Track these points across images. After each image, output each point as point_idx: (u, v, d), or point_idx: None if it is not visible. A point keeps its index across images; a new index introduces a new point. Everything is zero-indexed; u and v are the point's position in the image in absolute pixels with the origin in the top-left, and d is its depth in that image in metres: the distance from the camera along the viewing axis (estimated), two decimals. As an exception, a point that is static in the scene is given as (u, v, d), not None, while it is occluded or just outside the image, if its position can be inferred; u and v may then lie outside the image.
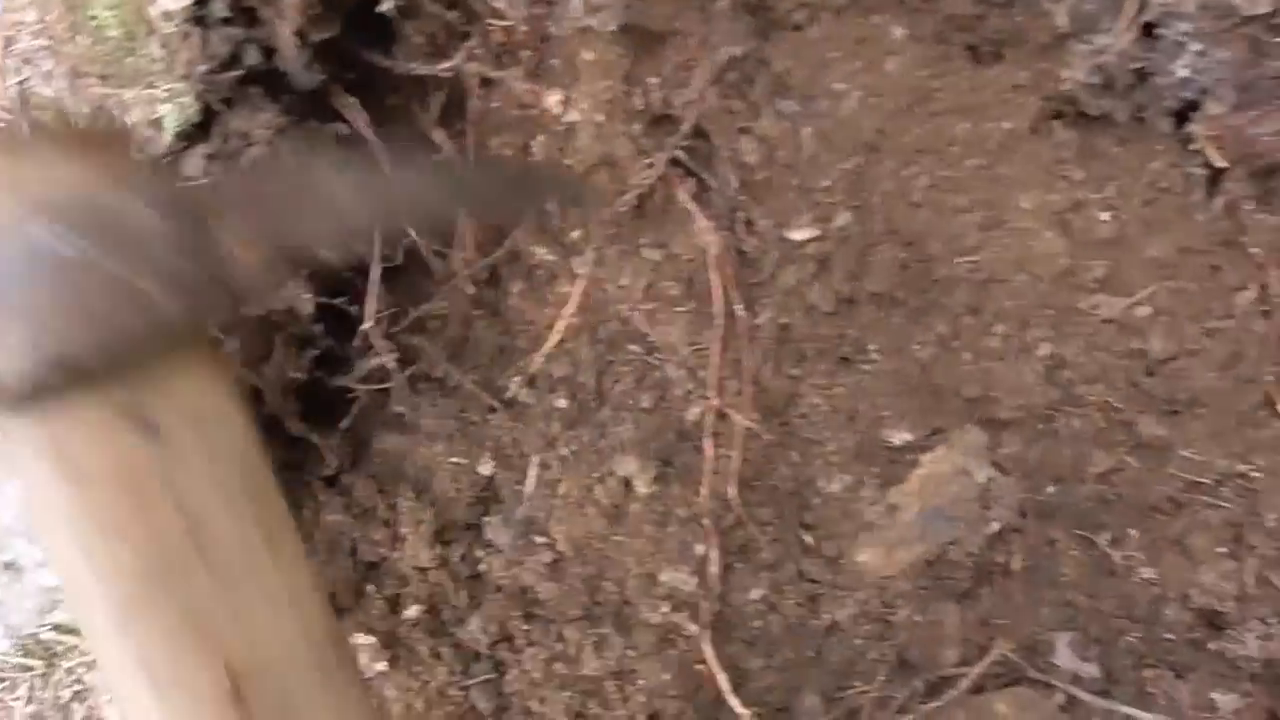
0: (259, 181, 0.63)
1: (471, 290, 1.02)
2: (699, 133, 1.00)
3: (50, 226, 0.45)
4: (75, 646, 0.98)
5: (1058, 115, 0.95)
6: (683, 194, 0.99)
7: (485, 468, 1.02)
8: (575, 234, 1.03)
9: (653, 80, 0.98)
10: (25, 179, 0.46)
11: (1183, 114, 0.94)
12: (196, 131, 0.83)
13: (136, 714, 0.50)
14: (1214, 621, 1.01)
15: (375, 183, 0.59)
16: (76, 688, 0.99)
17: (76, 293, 0.45)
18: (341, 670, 0.53)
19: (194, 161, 0.81)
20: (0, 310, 0.45)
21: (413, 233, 0.97)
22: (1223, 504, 1.00)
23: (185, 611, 0.49)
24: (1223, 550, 1.00)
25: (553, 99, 1.01)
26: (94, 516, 0.49)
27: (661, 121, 1.00)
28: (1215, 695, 0.99)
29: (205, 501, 0.50)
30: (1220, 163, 0.94)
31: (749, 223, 1.02)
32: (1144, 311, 0.98)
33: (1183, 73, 0.91)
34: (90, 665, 0.99)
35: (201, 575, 0.50)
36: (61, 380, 0.46)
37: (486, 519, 1.01)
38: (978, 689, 0.96)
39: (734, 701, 0.94)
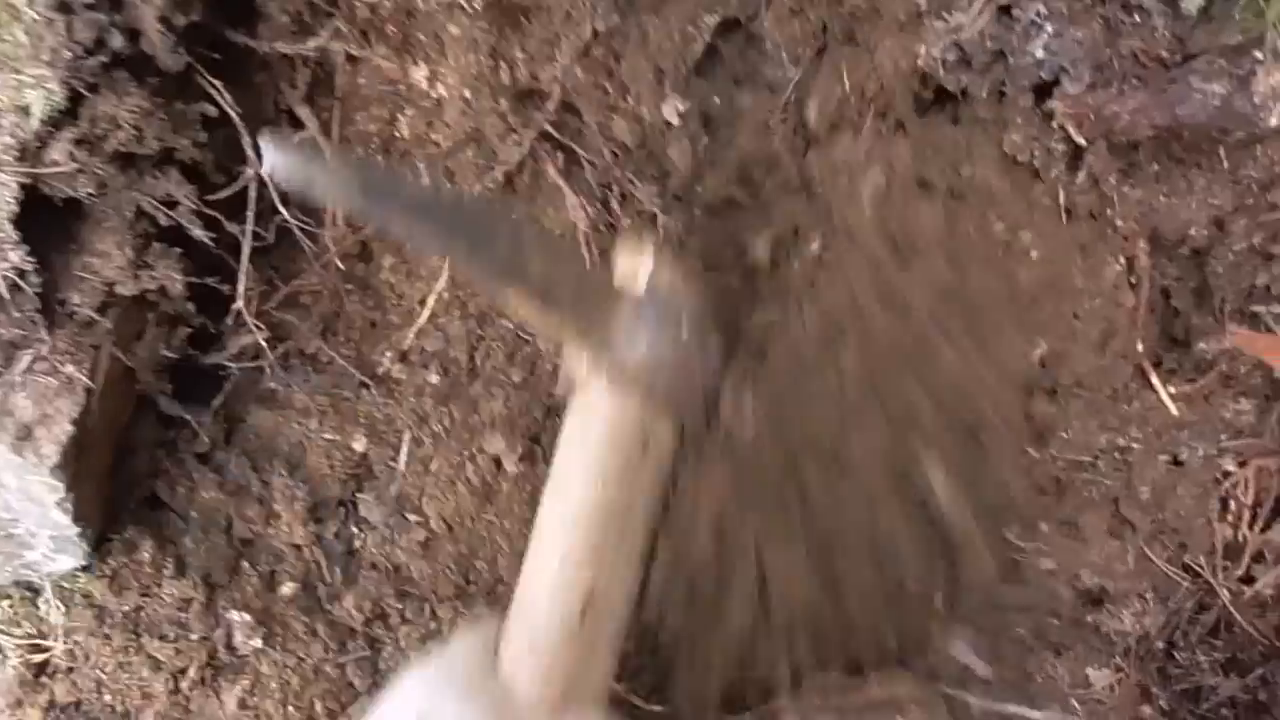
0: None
1: (342, 266, 1.28)
2: (569, 108, 1.26)
3: (686, 325, 1.02)
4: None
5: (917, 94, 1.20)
6: (552, 170, 1.25)
7: (359, 444, 1.28)
8: (445, 210, 1.29)
9: (519, 55, 1.24)
10: (677, 286, 1.05)
11: (1042, 90, 1.19)
12: (63, 117, 1.08)
13: (538, 594, 0.98)
14: (1097, 599, 1.27)
15: None
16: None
17: (679, 363, 1.03)
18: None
19: (61, 147, 1.07)
20: (657, 347, 1.02)
21: (283, 210, 1.24)
22: (1103, 480, 1.26)
23: (599, 546, 0.98)
24: (1103, 528, 1.26)
25: (419, 74, 1.26)
26: (601, 467, 0.99)
27: (529, 96, 1.26)
28: (1090, 671, 1.25)
29: (636, 495, 1.00)
30: (1080, 140, 1.18)
31: (624, 197, 1.28)
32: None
33: (1039, 53, 1.14)
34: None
35: (615, 533, 0.99)
36: (644, 392, 1.01)
37: (360, 495, 1.28)
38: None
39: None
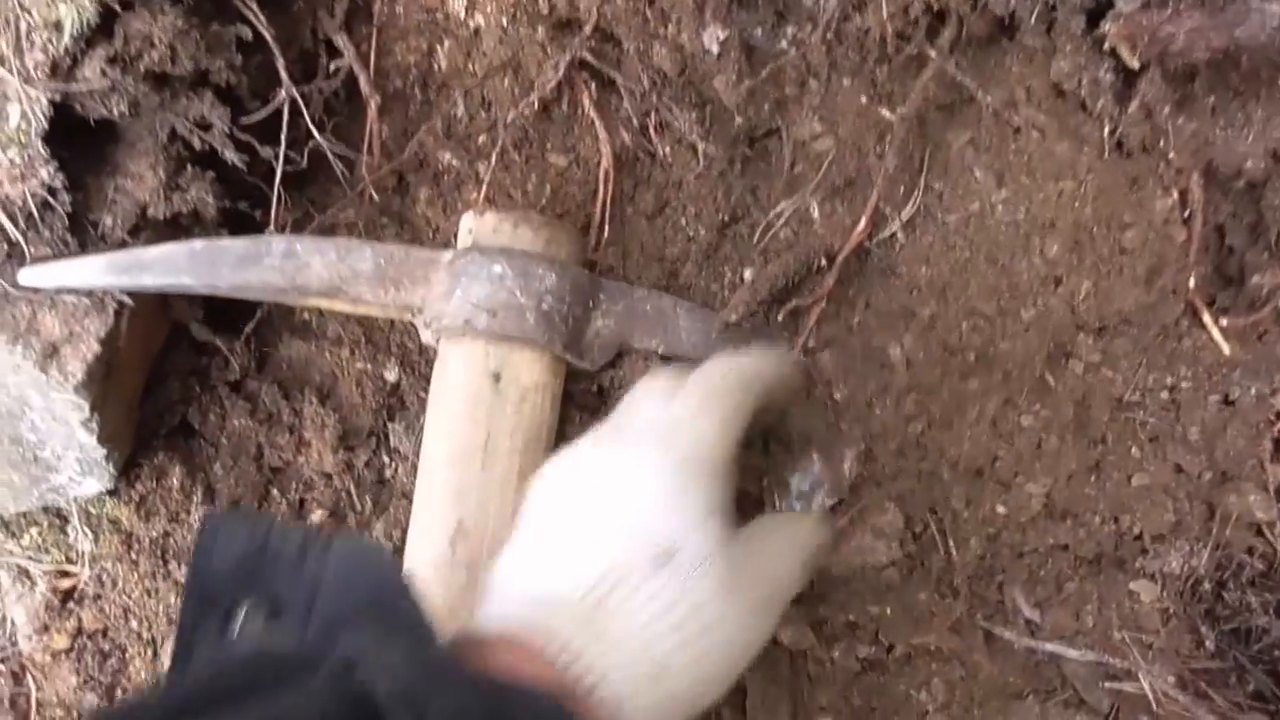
0: (633, 300, 1.17)
1: (377, 198, 1.27)
2: (608, 36, 1.24)
3: (504, 265, 1.09)
4: (-15, 548, 1.25)
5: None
6: (586, 99, 1.23)
7: (391, 374, 1.27)
8: (482, 138, 1.27)
9: (557, -18, 1.22)
10: (503, 235, 1.13)
11: (1094, 15, 1.16)
12: (96, 34, 1.07)
13: (415, 533, 1.10)
14: (1144, 540, 1.24)
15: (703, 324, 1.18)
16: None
17: (500, 300, 1.08)
18: None
19: (93, 64, 1.06)
20: (470, 290, 1.09)
21: (317, 135, 1.23)
22: (1150, 420, 1.23)
23: (460, 482, 1.07)
24: (1150, 470, 1.23)
25: (457, 3, 1.25)
26: (449, 411, 1.10)
27: (568, 25, 1.24)
28: (1136, 611, 1.23)
29: (497, 427, 1.08)
30: (1134, 63, 1.15)
31: (662, 126, 1.26)
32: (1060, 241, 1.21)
33: (1095, -32, 1.12)
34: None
35: (476, 467, 1.07)
36: (471, 334, 1.09)
37: (392, 425, 1.27)
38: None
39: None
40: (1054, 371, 1.20)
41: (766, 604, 0.87)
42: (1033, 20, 1.13)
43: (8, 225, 1.02)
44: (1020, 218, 1.18)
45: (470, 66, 1.28)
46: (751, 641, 0.85)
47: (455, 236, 1.28)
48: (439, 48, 1.29)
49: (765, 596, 0.87)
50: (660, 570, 0.80)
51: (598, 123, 1.24)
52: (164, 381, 1.23)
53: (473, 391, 1.10)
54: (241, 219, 1.23)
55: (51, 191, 1.04)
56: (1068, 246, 1.18)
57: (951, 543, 1.18)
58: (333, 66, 1.27)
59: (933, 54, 1.15)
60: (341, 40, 1.26)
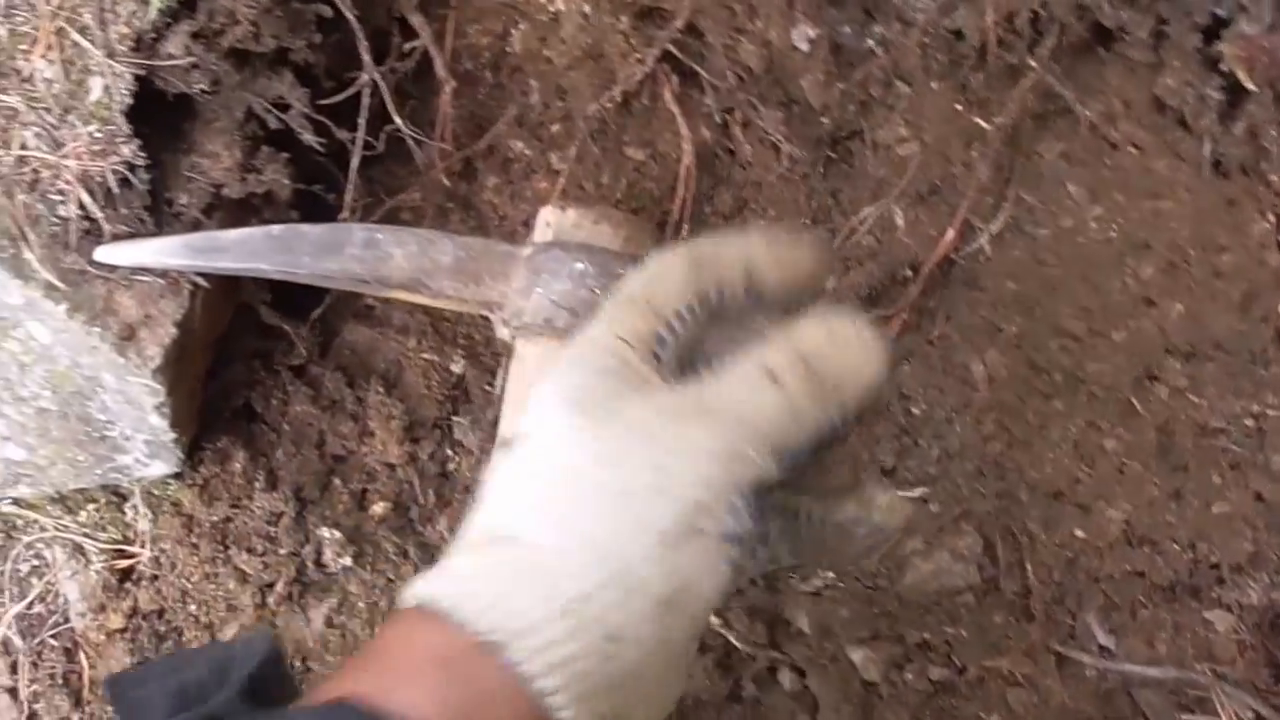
0: None
1: (446, 183, 1.25)
2: (692, 29, 1.21)
3: (586, 262, 1.00)
4: (36, 521, 1.24)
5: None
6: (668, 93, 1.21)
7: (457, 366, 1.25)
8: (555, 128, 1.25)
9: (644, -31, 1.20)
10: (584, 231, 1.05)
11: (1210, 31, 1.12)
12: (181, 9, 1.05)
13: None
14: (1222, 569, 1.22)
15: None
16: (34, 562, 1.24)
17: (581, 297, 0.99)
18: None
19: (178, 40, 1.04)
20: (550, 287, 1.00)
21: (396, 119, 1.20)
22: (1234, 448, 1.21)
23: None
24: (1231, 498, 1.21)
25: (539, -13, 1.23)
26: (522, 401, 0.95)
27: (651, 14, 1.21)
28: (1213, 641, 1.20)
29: None
30: (1250, 85, 1.12)
31: (746, 124, 1.24)
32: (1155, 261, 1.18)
33: (1218, -13, 1.08)
34: (49, 541, 1.25)
35: None
36: (550, 332, 1.00)
37: (456, 419, 1.25)
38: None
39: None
40: (1140, 395, 1.17)
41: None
42: (1143, 34, 1.10)
43: (88, 201, 1.00)
44: (1114, 236, 1.15)
45: (546, 52, 1.25)
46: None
47: (525, 226, 1.25)
48: (514, 31, 1.26)
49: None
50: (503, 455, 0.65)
51: (679, 118, 1.22)
52: (229, 363, 1.21)
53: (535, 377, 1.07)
54: (311, 201, 1.21)
55: (131, 168, 1.02)
56: (1162, 268, 1.15)
57: (1029, 566, 1.16)
58: (406, 47, 1.24)
59: (1033, 63, 1.12)
60: (418, 21, 1.23)
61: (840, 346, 0.63)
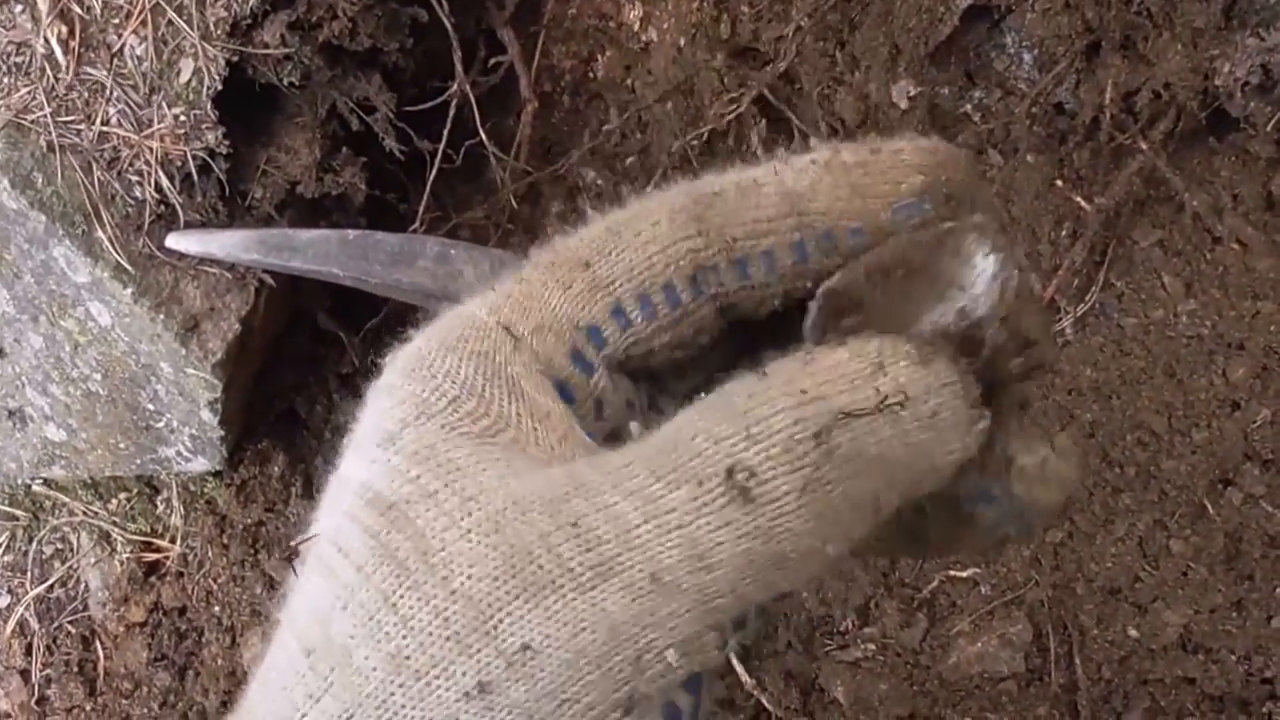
0: None
1: (513, 204, 1.22)
2: (787, 75, 1.18)
3: None
4: (65, 504, 1.21)
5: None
6: (755, 137, 1.18)
7: (508, 391, 1.22)
8: (631, 160, 1.22)
9: (745, 8, 1.17)
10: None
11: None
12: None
13: None
14: (1272, 690, 1.18)
15: None
16: (59, 545, 1.21)
17: None
18: None
19: (274, 29, 1.01)
20: None
21: (481, 134, 1.17)
22: (1298, 561, 1.17)
23: None
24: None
25: (633, 14, 1.19)
26: None
27: (747, 54, 1.18)
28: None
29: None
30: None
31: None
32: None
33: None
34: (76, 526, 1.21)
35: None
36: None
37: (500, 442, 1.22)
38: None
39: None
40: (1213, 499, 1.13)
41: None
42: (1269, 127, 1.06)
43: (166, 185, 0.97)
44: (1205, 333, 1.12)
45: (630, 81, 1.22)
46: None
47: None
48: (600, 56, 1.24)
49: None
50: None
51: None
52: (279, 365, 1.18)
53: None
54: (380, 209, 1.18)
55: (212, 155, 1.00)
56: (1254, 371, 1.11)
57: (1077, 660, 1.12)
58: (491, 62, 1.21)
59: (1144, 146, 1.09)
60: (508, 36, 1.20)
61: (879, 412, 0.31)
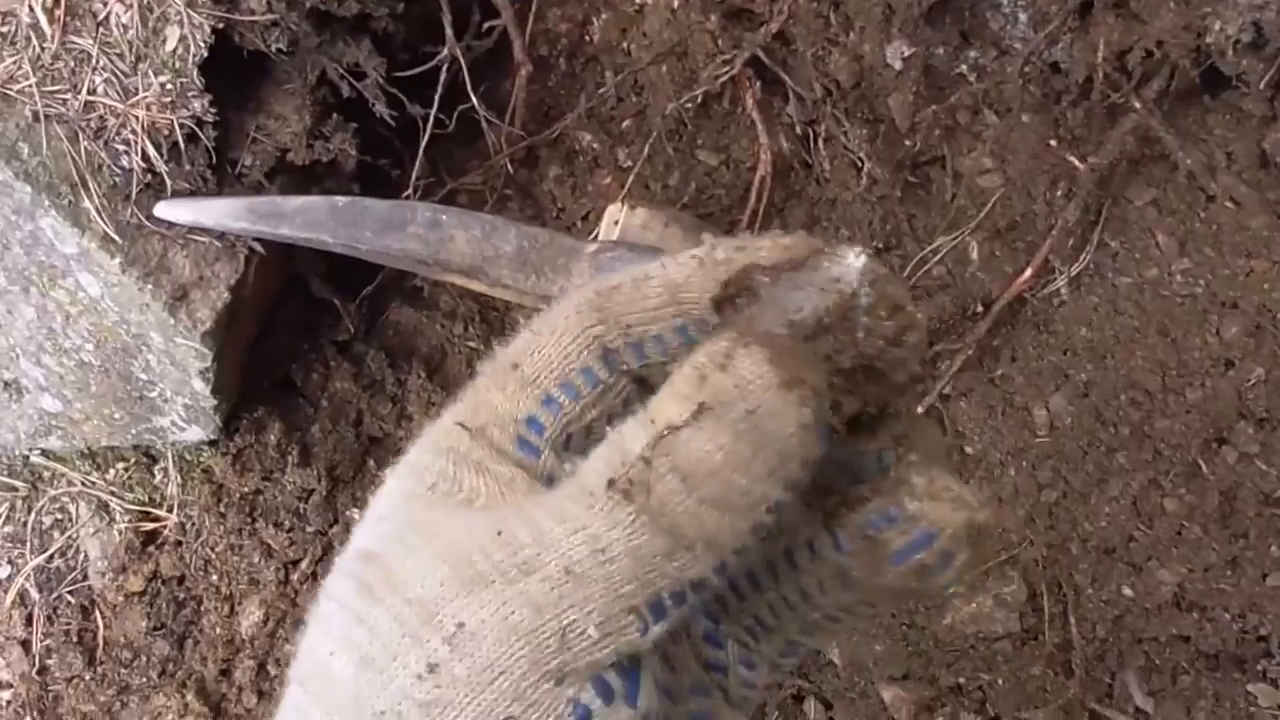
0: None
1: (509, 169, 1.21)
2: (781, 36, 1.17)
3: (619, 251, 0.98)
4: (63, 475, 1.21)
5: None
6: (750, 99, 1.17)
7: (504, 356, 1.22)
8: (627, 123, 1.21)
9: (739, -30, 1.15)
10: (653, 233, 1.05)
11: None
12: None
13: None
14: (1268, 643, 1.18)
15: None
16: (58, 515, 1.21)
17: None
18: None
19: (259, -4, 1.00)
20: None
21: (473, 98, 1.16)
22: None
23: None
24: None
25: (627, -23, 1.18)
26: None
27: (741, 15, 1.17)
28: (1252, 688, 1.16)
29: None
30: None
31: (828, 138, 1.19)
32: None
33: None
34: (74, 496, 1.21)
35: None
36: None
37: (498, 410, 1.21)
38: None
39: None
40: (1207, 458, 1.13)
41: None
42: (1261, 84, 1.05)
43: (152, 153, 0.97)
44: (1199, 291, 1.11)
45: (625, 45, 1.21)
46: None
47: (584, 220, 1.22)
48: (595, 20, 1.23)
49: None
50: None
51: (759, 125, 1.17)
52: (273, 333, 1.18)
53: None
54: (372, 175, 1.17)
55: (199, 123, 0.99)
56: (1247, 329, 1.11)
57: (1072, 620, 1.12)
58: (485, 26, 1.20)
59: (1137, 104, 1.07)
60: (501, 0, 1.19)
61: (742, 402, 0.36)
